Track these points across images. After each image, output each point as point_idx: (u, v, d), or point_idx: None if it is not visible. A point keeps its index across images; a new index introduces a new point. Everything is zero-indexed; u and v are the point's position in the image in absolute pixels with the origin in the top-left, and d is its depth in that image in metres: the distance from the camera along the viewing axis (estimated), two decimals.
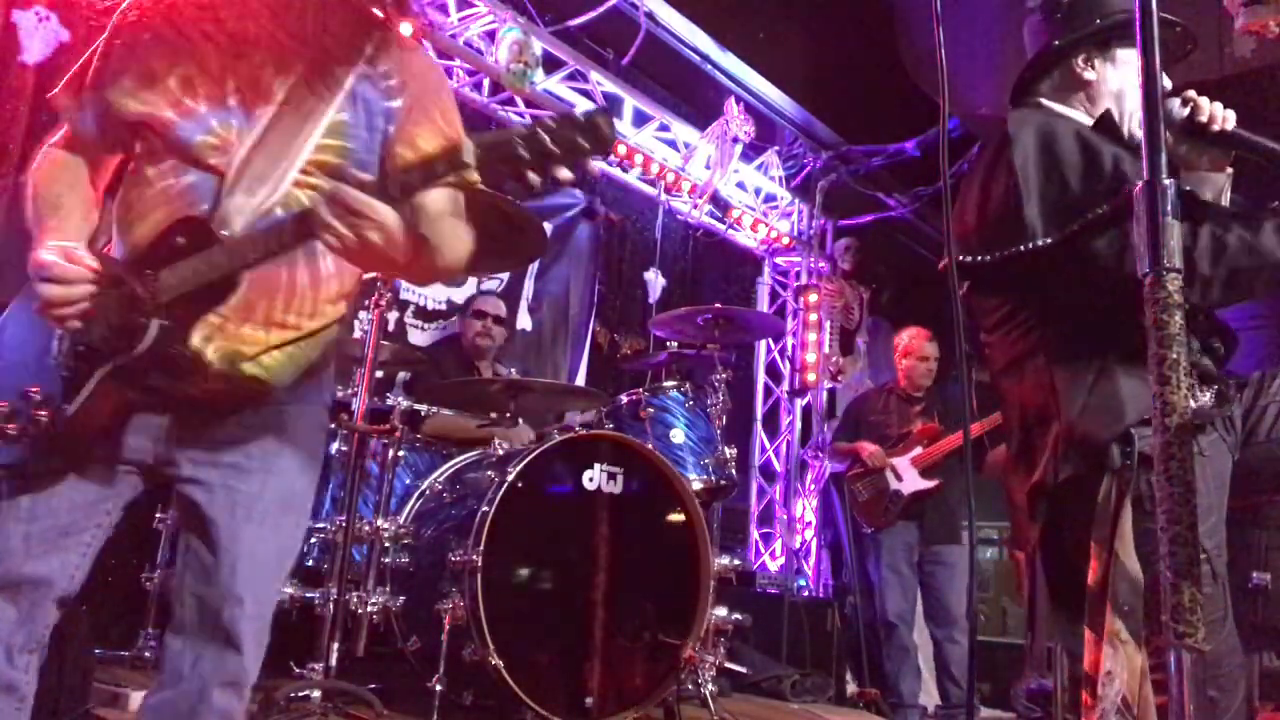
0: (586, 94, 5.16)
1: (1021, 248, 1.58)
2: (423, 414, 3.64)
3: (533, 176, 1.21)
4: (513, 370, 4.18)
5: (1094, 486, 1.51)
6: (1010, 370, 1.71)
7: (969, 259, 1.64)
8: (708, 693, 3.07)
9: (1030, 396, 1.64)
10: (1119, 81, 1.74)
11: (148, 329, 1.27)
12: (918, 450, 4.47)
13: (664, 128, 5.61)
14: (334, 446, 3.27)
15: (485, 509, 2.74)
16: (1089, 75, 1.75)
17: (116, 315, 1.29)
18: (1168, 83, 1.64)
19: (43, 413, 1.27)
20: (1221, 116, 1.61)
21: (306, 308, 1.41)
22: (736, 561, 3.68)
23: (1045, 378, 1.62)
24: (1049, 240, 1.57)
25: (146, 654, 3.05)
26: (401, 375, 4.05)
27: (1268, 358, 7.35)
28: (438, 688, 2.65)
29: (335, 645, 2.67)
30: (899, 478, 4.44)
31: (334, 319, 1.48)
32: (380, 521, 2.93)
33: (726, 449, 3.56)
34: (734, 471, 3.59)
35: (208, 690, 1.33)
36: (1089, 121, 1.71)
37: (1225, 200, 1.66)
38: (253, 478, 1.38)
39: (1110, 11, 1.73)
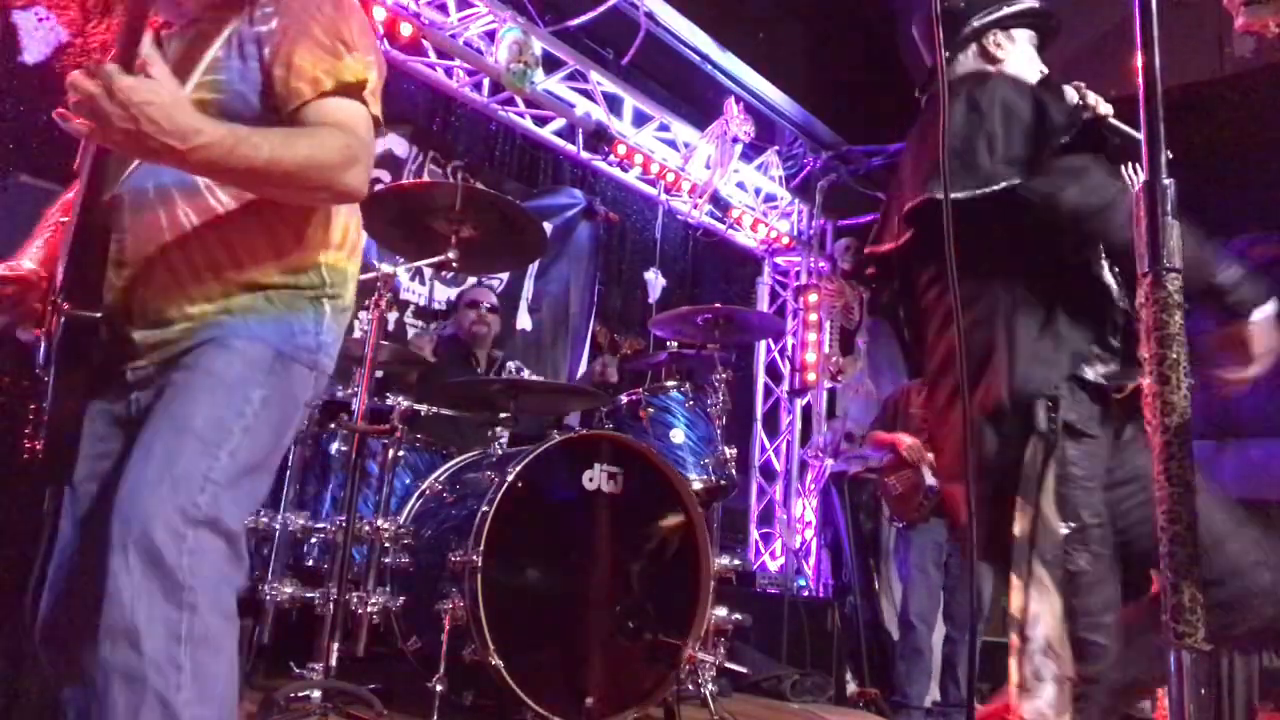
0: (586, 94, 5.16)
1: (993, 188, 1.68)
2: (423, 414, 3.64)
3: None
4: (511, 365, 4.20)
5: (1020, 448, 1.64)
6: (948, 323, 1.82)
7: (936, 197, 1.68)
8: (708, 693, 3.07)
9: (980, 339, 1.74)
10: (1018, 55, 2.02)
11: (55, 318, 1.33)
12: None
13: (664, 128, 5.61)
14: (334, 446, 3.27)
15: (485, 509, 2.74)
16: (999, 53, 2.00)
17: (35, 312, 1.43)
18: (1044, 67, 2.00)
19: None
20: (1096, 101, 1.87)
21: (214, 254, 1.42)
22: (736, 561, 3.67)
23: (997, 320, 1.73)
24: (1015, 181, 1.69)
25: None
26: (401, 375, 4.05)
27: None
28: (438, 688, 2.65)
29: (335, 645, 2.66)
30: (935, 473, 4.39)
31: (273, 273, 1.45)
32: (380, 521, 2.93)
33: (726, 449, 3.56)
34: (734, 471, 3.59)
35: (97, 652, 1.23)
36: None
37: None
38: (154, 414, 1.36)
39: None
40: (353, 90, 1.41)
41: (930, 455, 4.38)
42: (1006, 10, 2.00)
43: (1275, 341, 1.74)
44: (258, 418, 1.39)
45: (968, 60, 2.01)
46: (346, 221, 1.55)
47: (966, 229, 1.48)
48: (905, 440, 4.44)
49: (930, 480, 4.37)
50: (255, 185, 1.38)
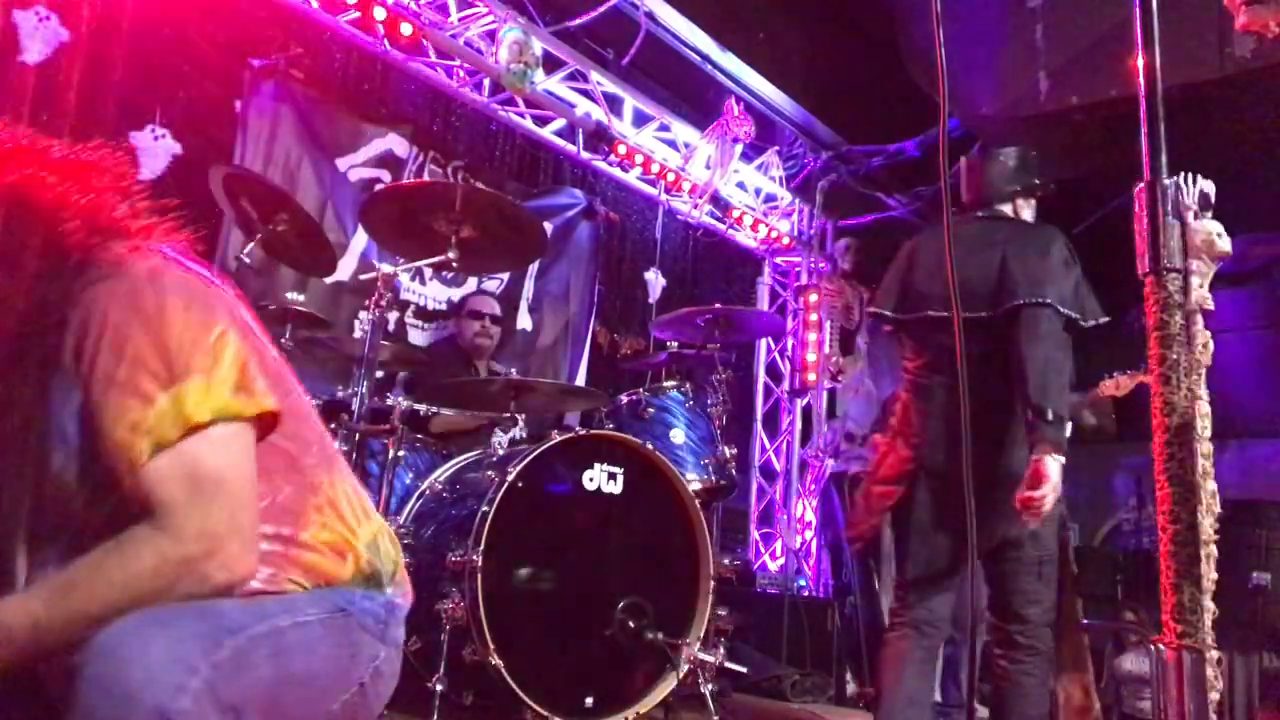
0: (586, 94, 5.16)
1: (1104, 319, 2.50)
2: (423, 414, 3.64)
3: None
4: (512, 371, 4.19)
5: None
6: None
7: (1038, 301, 2.41)
8: (708, 693, 3.07)
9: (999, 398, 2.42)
10: (1029, 213, 2.85)
11: None
12: None
13: (664, 128, 5.61)
14: (334, 446, 3.27)
15: (485, 509, 2.74)
16: (1025, 213, 2.82)
17: None
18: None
19: None
20: None
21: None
22: (736, 561, 3.68)
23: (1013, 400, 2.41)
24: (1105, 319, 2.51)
25: None
26: (401, 375, 4.05)
27: (1265, 359, 7.35)
28: (438, 688, 2.65)
29: None
30: None
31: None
32: None
33: (726, 449, 3.56)
34: (734, 471, 3.59)
35: None
36: None
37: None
38: None
39: (1035, 173, 2.84)
40: (187, 435, 1.02)
41: None
42: (1035, 183, 2.83)
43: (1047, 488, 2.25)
44: (310, 627, 1.09)
45: (1004, 207, 2.77)
46: (343, 490, 1.24)
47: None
48: None
49: None
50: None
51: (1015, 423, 2.39)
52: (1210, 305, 1.09)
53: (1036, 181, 2.82)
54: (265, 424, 1.12)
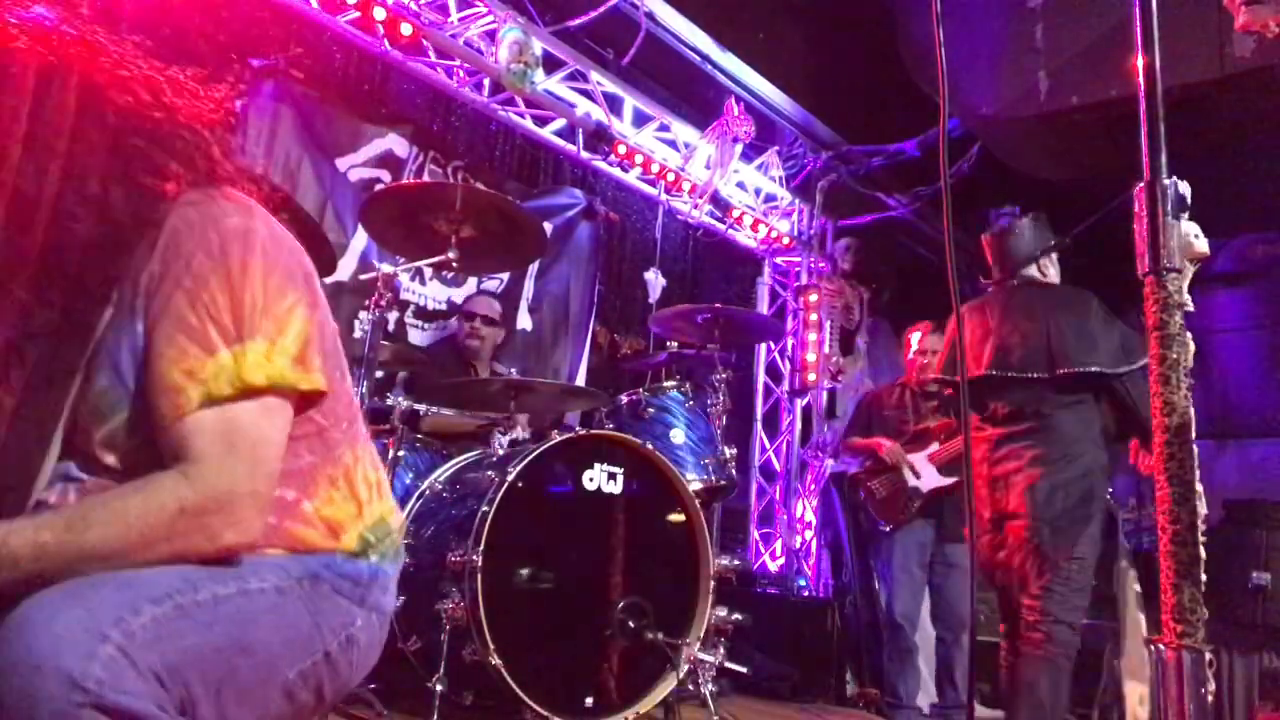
0: (587, 94, 5.16)
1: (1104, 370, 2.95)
2: (422, 414, 3.64)
3: None
4: (513, 370, 4.19)
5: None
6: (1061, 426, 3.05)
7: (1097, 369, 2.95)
8: (708, 693, 3.07)
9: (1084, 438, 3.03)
10: (1054, 273, 3.27)
11: None
12: (934, 447, 4.42)
13: (664, 128, 5.61)
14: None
15: (485, 509, 2.74)
16: (1050, 270, 3.25)
17: None
18: None
19: None
20: None
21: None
22: (736, 561, 3.67)
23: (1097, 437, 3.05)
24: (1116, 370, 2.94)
25: None
26: (401, 375, 4.06)
27: (1265, 359, 7.35)
28: (438, 688, 2.65)
29: None
30: (916, 475, 4.39)
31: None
32: None
33: (726, 449, 3.56)
34: (734, 471, 3.59)
35: None
36: None
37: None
38: None
39: (1050, 233, 3.29)
40: (236, 397, 1.03)
41: (911, 458, 4.41)
42: (1052, 242, 3.26)
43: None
44: (265, 595, 1.06)
45: (1031, 270, 3.22)
46: (362, 469, 1.23)
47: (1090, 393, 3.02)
48: (885, 444, 4.45)
49: (913, 482, 4.39)
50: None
51: (1068, 449, 3.00)
52: (1190, 306, 1.09)
53: (1053, 241, 3.26)
54: (310, 400, 1.13)
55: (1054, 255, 3.27)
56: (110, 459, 1.07)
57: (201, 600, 1.00)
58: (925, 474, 4.39)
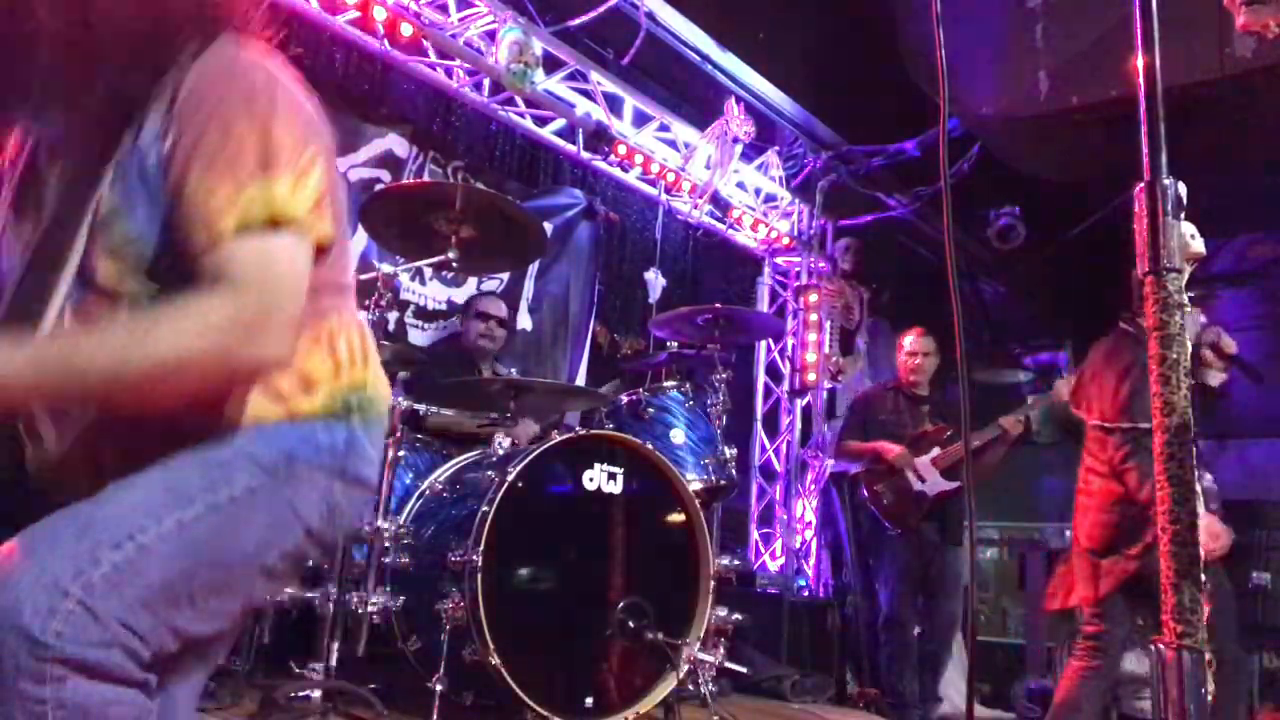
0: (586, 94, 5.16)
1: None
2: (422, 414, 3.64)
3: None
4: (513, 370, 4.19)
5: None
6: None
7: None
8: (708, 693, 3.07)
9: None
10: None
11: None
12: (936, 451, 4.45)
13: (664, 128, 5.61)
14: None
15: (485, 509, 2.74)
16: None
17: None
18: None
19: None
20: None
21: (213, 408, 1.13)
22: (736, 561, 3.68)
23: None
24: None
25: None
26: (402, 375, 4.05)
27: (1265, 359, 7.35)
28: (438, 688, 2.65)
29: (335, 645, 2.67)
30: (921, 479, 4.42)
31: (281, 414, 1.15)
32: (380, 521, 2.93)
33: (726, 449, 3.56)
34: (734, 471, 3.59)
35: None
36: None
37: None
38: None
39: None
40: (268, 226, 1.07)
41: (917, 460, 4.42)
42: None
43: None
44: (236, 504, 1.07)
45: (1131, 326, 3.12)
46: (346, 334, 1.24)
47: None
48: (893, 449, 4.46)
49: (919, 486, 4.41)
50: (109, 401, 1.06)
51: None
52: (1188, 306, 1.09)
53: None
54: (316, 254, 1.15)
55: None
56: (108, 280, 1.09)
57: (165, 531, 1.01)
58: (930, 478, 4.42)
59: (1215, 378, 3.25)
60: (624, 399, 3.58)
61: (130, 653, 0.95)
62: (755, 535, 6.48)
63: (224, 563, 1.06)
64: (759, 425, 6.61)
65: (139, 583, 0.97)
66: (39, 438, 1.15)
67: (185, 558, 1.02)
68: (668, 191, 5.69)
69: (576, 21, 4.90)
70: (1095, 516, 3.06)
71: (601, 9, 4.75)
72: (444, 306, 4.92)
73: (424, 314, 4.87)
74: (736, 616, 3.48)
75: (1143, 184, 1.11)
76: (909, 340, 4.71)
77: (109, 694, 0.94)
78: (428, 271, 4.75)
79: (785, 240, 6.62)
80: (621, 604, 2.89)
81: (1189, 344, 1.09)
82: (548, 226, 4.96)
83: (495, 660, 2.60)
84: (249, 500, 1.08)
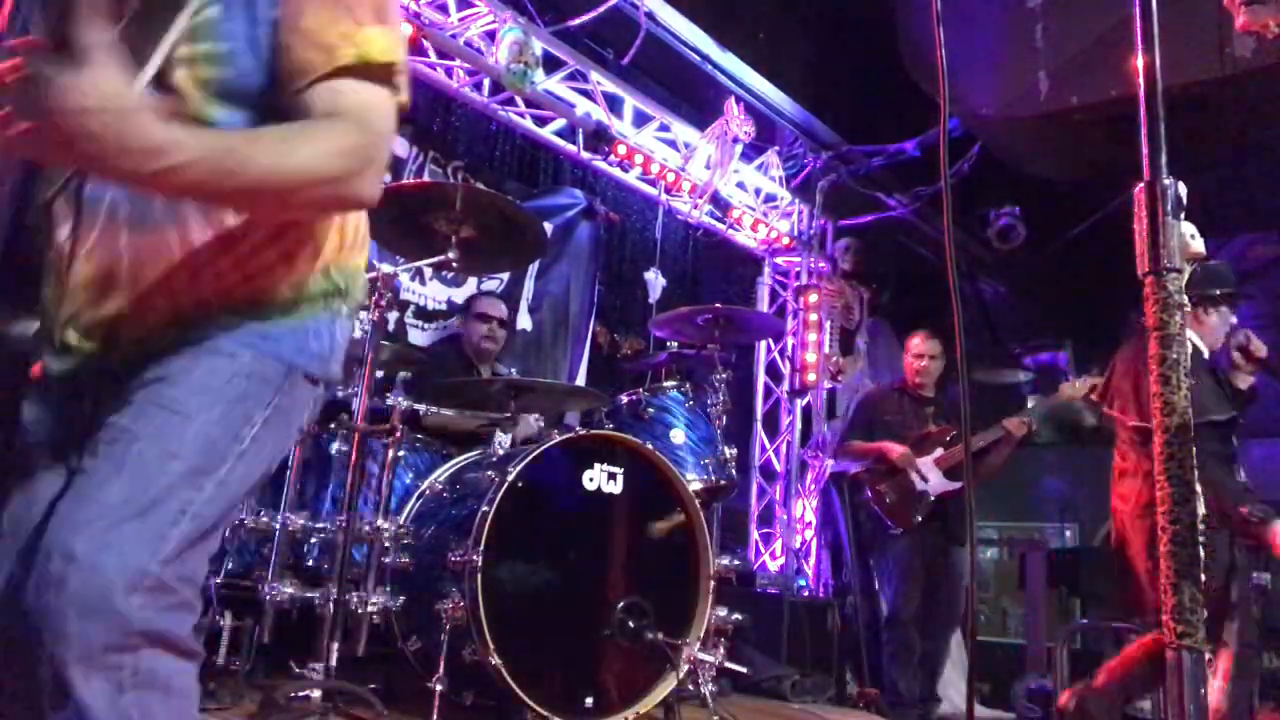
0: (586, 94, 5.16)
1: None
2: (422, 414, 3.64)
3: None
4: (513, 370, 4.19)
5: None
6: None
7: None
8: (708, 693, 3.07)
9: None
10: (1213, 327, 3.19)
11: None
12: (939, 452, 4.47)
13: (664, 128, 5.61)
14: (334, 446, 3.27)
15: (485, 509, 2.74)
16: (1204, 319, 3.17)
17: None
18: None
19: None
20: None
21: (227, 279, 1.18)
22: (736, 561, 3.68)
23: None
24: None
25: None
26: (402, 375, 4.05)
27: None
28: (438, 688, 2.65)
29: (335, 645, 2.66)
30: (924, 479, 4.44)
31: (284, 289, 1.21)
32: (380, 521, 2.93)
33: (726, 449, 3.56)
34: (734, 471, 3.59)
35: None
36: (1203, 348, 3.19)
37: None
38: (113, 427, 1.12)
39: (1222, 285, 3.21)
40: (377, 72, 1.12)
41: (920, 461, 4.43)
42: (1216, 290, 3.18)
43: None
44: (257, 442, 1.15)
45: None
46: (356, 216, 1.31)
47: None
48: (897, 449, 4.47)
49: (921, 486, 4.42)
50: (242, 205, 1.12)
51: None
52: (1187, 306, 1.09)
53: (1216, 292, 3.22)
54: None
55: (1221, 308, 3.26)
56: (182, 89, 1.11)
57: (209, 496, 1.09)
58: (933, 478, 4.43)
59: (1243, 380, 3.21)
60: (624, 399, 3.59)
61: (191, 607, 1.06)
62: (755, 535, 6.48)
63: (248, 491, 1.18)
64: (759, 425, 6.61)
65: (195, 546, 1.08)
66: (65, 347, 1.18)
67: (225, 508, 1.12)
68: (668, 191, 5.69)
69: (576, 21, 4.90)
70: (1142, 524, 3.05)
71: (601, 9, 4.75)
72: (444, 306, 4.92)
73: (424, 314, 4.87)
74: (736, 616, 3.48)
75: (1143, 184, 1.11)
76: (916, 342, 4.73)
77: (173, 665, 1.04)
78: (428, 271, 4.75)
79: (785, 240, 6.62)
80: (621, 604, 2.89)
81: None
82: (548, 226, 4.96)
83: (495, 660, 2.60)
84: (265, 433, 1.16)
